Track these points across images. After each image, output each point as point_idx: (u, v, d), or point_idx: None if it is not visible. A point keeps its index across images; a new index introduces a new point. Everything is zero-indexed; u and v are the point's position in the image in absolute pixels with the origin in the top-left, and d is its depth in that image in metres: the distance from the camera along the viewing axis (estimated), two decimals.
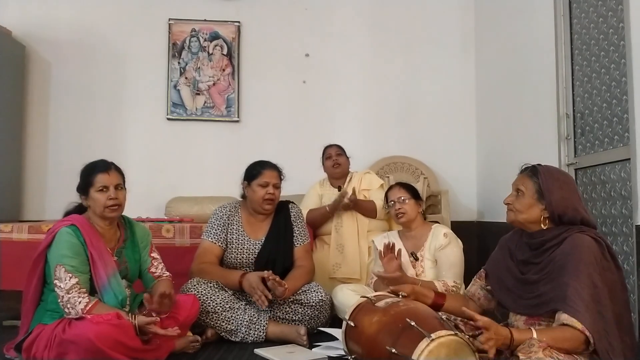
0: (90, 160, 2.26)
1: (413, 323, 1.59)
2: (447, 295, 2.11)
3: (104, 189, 2.15)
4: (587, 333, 1.58)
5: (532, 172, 1.88)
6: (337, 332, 2.16)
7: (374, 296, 1.94)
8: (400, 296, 1.95)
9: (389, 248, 2.55)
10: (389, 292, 1.98)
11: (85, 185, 2.18)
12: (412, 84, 4.43)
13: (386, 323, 1.73)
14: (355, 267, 3.17)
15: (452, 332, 1.56)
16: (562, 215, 1.80)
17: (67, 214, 2.23)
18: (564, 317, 1.63)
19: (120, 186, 2.21)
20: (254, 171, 2.76)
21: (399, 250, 2.55)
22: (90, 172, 2.19)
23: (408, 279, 2.47)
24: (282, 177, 2.81)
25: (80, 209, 2.24)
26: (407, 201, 2.70)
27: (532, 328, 1.65)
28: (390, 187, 2.84)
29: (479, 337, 1.54)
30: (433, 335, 1.52)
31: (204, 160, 4.29)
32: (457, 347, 1.55)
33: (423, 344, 1.51)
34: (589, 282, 1.65)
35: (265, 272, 2.48)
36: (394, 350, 1.58)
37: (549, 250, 1.79)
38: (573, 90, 3.00)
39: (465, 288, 2.59)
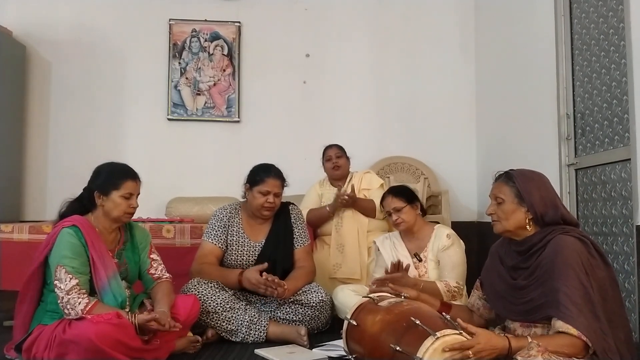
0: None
1: (418, 321, 1.58)
2: (453, 306, 2.10)
3: (129, 196, 2.18)
4: (584, 338, 1.58)
5: (507, 177, 1.89)
6: (339, 343, 2.13)
7: (377, 296, 1.93)
8: (403, 297, 1.94)
9: (397, 267, 2.46)
10: (391, 292, 1.98)
11: (108, 186, 2.16)
12: (412, 84, 4.43)
13: (390, 322, 1.72)
14: (356, 267, 3.16)
15: (457, 332, 1.56)
16: (544, 214, 1.81)
17: (62, 215, 2.18)
18: (559, 325, 1.63)
19: (139, 195, 2.25)
20: (257, 177, 2.73)
21: (407, 266, 2.51)
22: (120, 176, 2.18)
23: (410, 279, 2.46)
24: (285, 185, 2.78)
25: (78, 209, 2.20)
26: (403, 209, 2.68)
27: (529, 337, 1.65)
28: (383, 197, 2.79)
29: (471, 350, 1.53)
30: (438, 334, 1.52)
31: (205, 160, 4.28)
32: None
33: (428, 341, 1.51)
34: (577, 284, 1.65)
35: (262, 267, 2.49)
36: (398, 348, 1.58)
37: (535, 254, 1.80)
38: (573, 91, 3.00)
39: (466, 288, 2.60)
